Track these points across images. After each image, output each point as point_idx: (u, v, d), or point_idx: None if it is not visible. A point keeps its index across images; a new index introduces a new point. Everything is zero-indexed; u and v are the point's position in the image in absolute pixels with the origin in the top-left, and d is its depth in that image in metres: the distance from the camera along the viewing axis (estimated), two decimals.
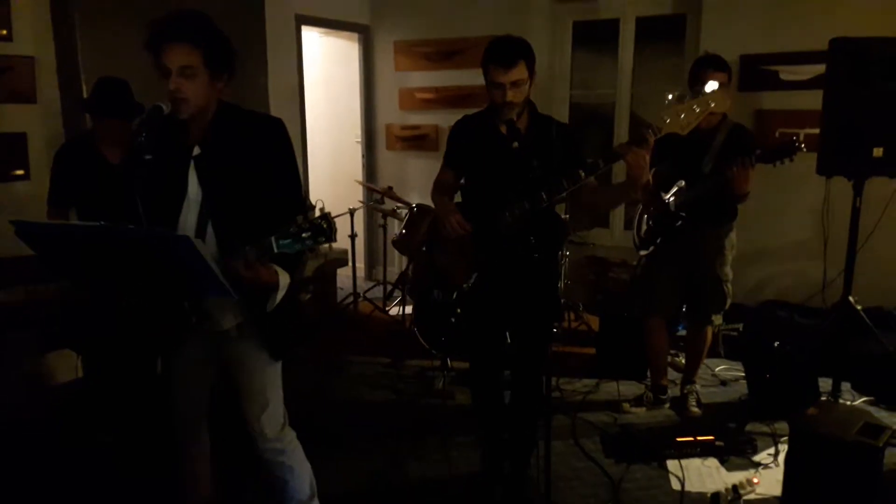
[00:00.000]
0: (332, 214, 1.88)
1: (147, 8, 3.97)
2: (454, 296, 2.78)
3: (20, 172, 3.87)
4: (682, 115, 2.52)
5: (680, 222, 3.47)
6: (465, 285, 2.72)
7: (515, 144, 2.49)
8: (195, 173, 2.08)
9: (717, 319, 3.69)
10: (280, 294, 2.06)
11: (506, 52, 2.51)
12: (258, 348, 2.21)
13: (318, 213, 1.88)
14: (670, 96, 2.60)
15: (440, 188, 2.91)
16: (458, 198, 2.92)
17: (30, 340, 3.54)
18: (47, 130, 3.95)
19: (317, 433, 2.47)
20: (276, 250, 1.89)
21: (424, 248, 4.13)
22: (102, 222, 1.75)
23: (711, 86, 2.56)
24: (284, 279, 2.05)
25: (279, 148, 2.15)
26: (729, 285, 3.59)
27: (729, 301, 3.63)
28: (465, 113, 2.85)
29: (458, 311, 2.84)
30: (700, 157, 3.40)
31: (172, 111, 1.99)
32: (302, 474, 2.40)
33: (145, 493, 2.84)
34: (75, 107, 3.92)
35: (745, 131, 3.48)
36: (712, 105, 2.54)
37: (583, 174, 2.53)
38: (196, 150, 2.08)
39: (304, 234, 1.86)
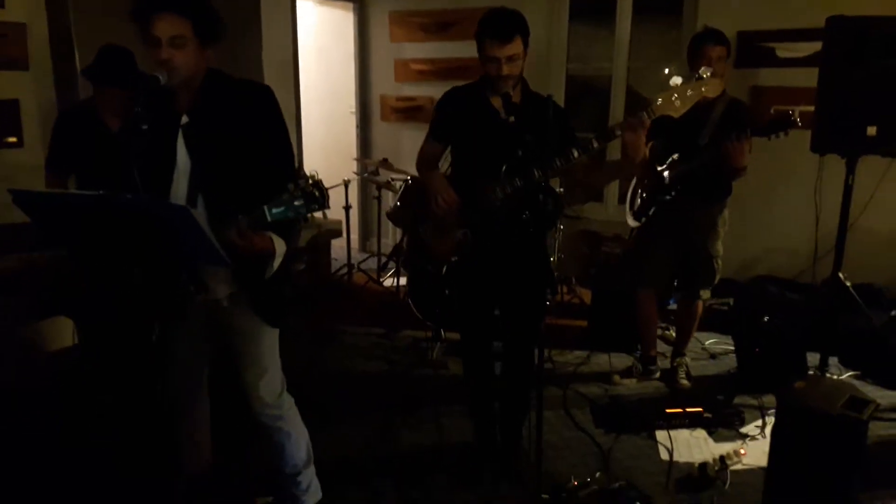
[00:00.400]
0: (327, 185, 1.90)
1: None
2: (443, 270, 2.79)
3: (13, 140, 3.85)
4: (675, 97, 2.54)
5: (673, 193, 3.49)
6: (452, 258, 2.72)
7: (511, 119, 2.49)
8: (183, 142, 2.08)
9: (706, 294, 3.74)
10: (277, 261, 2.08)
11: (503, 26, 2.50)
12: (253, 316, 2.23)
13: (309, 181, 1.89)
14: (667, 71, 2.61)
15: (426, 162, 2.89)
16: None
17: (25, 307, 3.54)
18: (40, 97, 3.92)
19: (310, 403, 2.50)
20: (269, 219, 1.91)
21: (414, 221, 4.14)
22: (101, 191, 1.75)
23: (706, 71, 2.57)
24: (281, 246, 2.07)
25: (268, 115, 2.15)
26: (719, 261, 3.63)
27: (718, 277, 3.68)
28: (460, 84, 2.82)
29: (444, 283, 2.85)
30: (697, 130, 3.41)
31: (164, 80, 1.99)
32: (299, 440, 2.43)
33: (145, 462, 2.87)
34: (68, 74, 3.88)
35: (742, 106, 3.50)
36: (704, 90, 2.56)
37: (576, 153, 2.54)
38: (184, 119, 2.08)
39: (296, 202, 1.88)
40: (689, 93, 2.54)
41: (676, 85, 2.55)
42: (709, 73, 2.57)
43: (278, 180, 1.96)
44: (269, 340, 2.32)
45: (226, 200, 2.02)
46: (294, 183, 1.87)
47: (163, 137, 2.07)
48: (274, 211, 1.90)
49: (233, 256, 1.91)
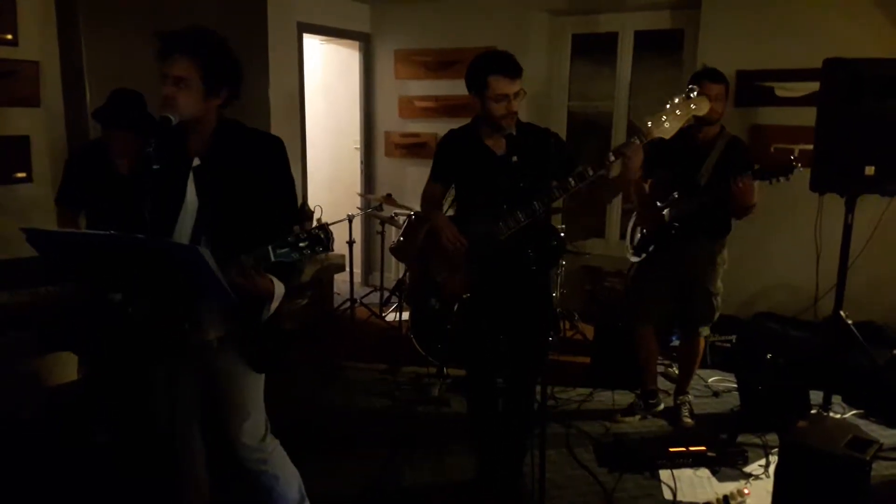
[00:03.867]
0: (331, 221, 1.94)
1: (151, 15, 4.06)
2: (454, 307, 2.81)
3: (22, 175, 3.90)
4: (665, 119, 2.57)
5: (673, 231, 3.52)
6: (464, 296, 2.75)
7: (515, 158, 2.54)
8: (194, 184, 2.13)
9: (705, 331, 3.75)
10: (275, 304, 2.10)
11: (511, 63, 2.57)
12: (240, 360, 2.23)
13: (315, 224, 1.93)
14: (668, 106, 2.65)
15: (429, 202, 2.95)
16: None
17: (29, 341, 3.56)
18: (50, 134, 3.99)
19: (312, 438, 2.50)
20: (273, 259, 1.95)
21: (420, 259, 4.17)
22: (112, 231, 1.79)
23: (693, 90, 2.61)
24: (280, 289, 2.10)
25: (277, 165, 2.20)
26: (718, 298, 3.64)
27: (717, 314, 3.69)
28: (464, 121, 2.89)
29: (453, 319, 2.88)
30: (696, 168, 3.45)
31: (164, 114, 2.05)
32: (288, 479, 2.41)
33: (143, 495, 2.86)
34: (78, 111, 3.95)
35: (741, 145, 3.54)
36: (693, 108, 2.59)
37: (572, 182, 2.58)
38: (196, 162, 2.14)
39: (301, 244, 1.92)
40: (678, 112, 2.57)
41: (666, 109, 2.58)
42: (695, 93, 2.60)
43: (280, 227, 2.02)
44: (254, 385, 2.31)
45: (229, 242, 2.05)
46: (300, 225, 1.91)
47: (174, 177, 2.12)
48: (278, 252, 1.94)
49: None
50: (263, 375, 2.33)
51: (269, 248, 1.94)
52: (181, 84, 2.03)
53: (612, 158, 2.61)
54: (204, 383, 2.32)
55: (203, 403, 2.37)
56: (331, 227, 1.95)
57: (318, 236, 1.91)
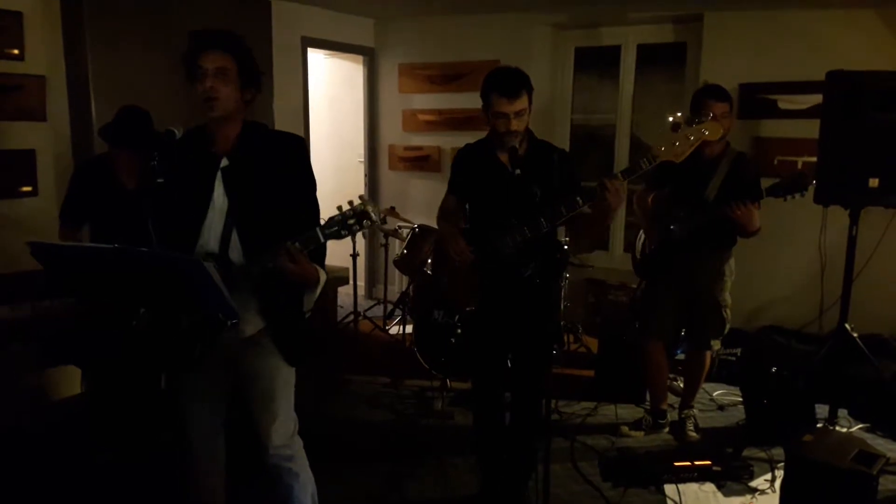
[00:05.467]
0: (356, 204, 1.98)
1: (157, 30, 4.08)
2: (457, 319, 2.82)
3: (28, 189, 3.92)
4: (677, 144, 2.58)
5: (680, 245, 3.51)
6: (469, 308, 2.75)
7: (518, 172, 2.55)
8: (222, 184, 2.17)
9: (716, 345, 3.72)
10: (318, 290, 2.16)
11: (510, 82, 2.58)
12: (275, 355, 2.26)
13: (357, 201, 2.00)
14: (671, 119, 2.66)
15: (445, 214, 2.98)
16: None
17: (33, 355, 3.57)
18: (56, 148, 4.01)
19: (315, 452, 2.49)
20: (322, 240, 2.02)
21: (429, 272, 4.18)
22: (116, 244, 1.79)
23: (706, 116, 2.62)
24: (323, 276, 2.16)
25: (301, 163, 2.28)
26: (728, 311, 3.62)
27: (727, 326, 3.66)
28: (467, 134, 2.93)
29: (459, 332, 2.88)
30: (704, 184, 3.43)
31: (203, 111, 2.10)
32: (306, 484, 2.42)
33: None
34: (84, 125, 3.98)
35: (747, 162, 3.50)
36: (706, 133, 2.59)
37: (580, 201, 2.59)
38: (224, 162, 2.18)
39: (349, 221, 1.99)
40: (690, 137, 2.57)
41: (676, 130, 2.58)
42: (709, 118, 2.61)
43: (306, 223, 2.08)
44: (286, 382, 2.34)
45: (257, 240, 2.11)
46: (349, 203, 2.00)
47: (200, 178, 2.17)
48: (327, 231, 2.01)
49: (271, 289, 2.01)
50: (294, 372, 2.35)
51: (318, 230, 2.00)
52: (221, 75, 2.09)
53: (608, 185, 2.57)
54: (236, 382, 2.34)
55: (232, 402, 2.39)
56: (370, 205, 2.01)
57: (365, 210, 1.98)
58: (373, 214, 2.00)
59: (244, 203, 2.16)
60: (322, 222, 2.06)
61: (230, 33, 2.17)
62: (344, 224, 1.99)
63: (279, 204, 2.17)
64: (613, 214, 2.67)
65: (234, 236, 2.15)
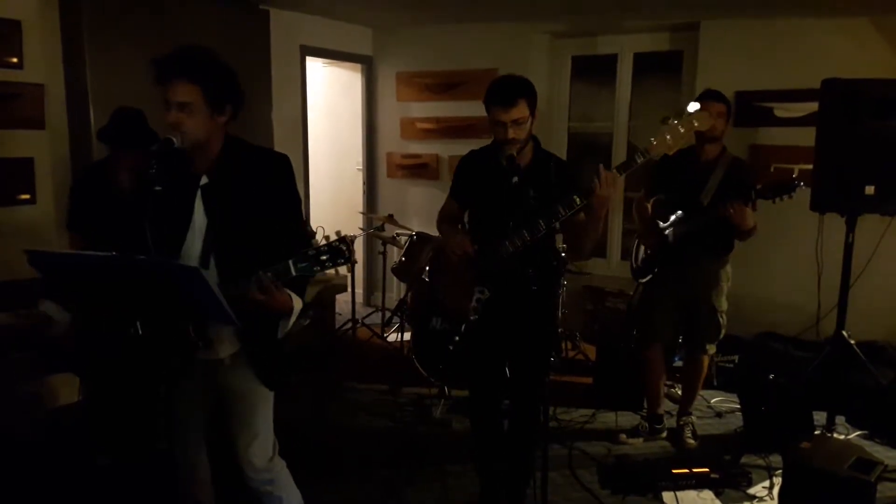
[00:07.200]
0: (333, 240, 1.93)
1: (155, 38, 4.09)
2: (462, 327, 2.80)
3: (26, 196, 3.92)
4: (669, 136, 2.59)
5: (676, 250, 3.53)
6: (472, 318, 2.74)
7: (515, 179, 2.55)
8: (202, 203, 2.13)
9: (712, 349, 3.74)
10: (293, 319, 2.10)
11: (506, 91, 2.58)
12: (252, 378, 2.23)
13: (334, 237, 1.92)
14: (670, 122, 2.67)
15: (445, 218, 2.98)
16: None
17: (31, 362, 3.56)
18: (54, 156, 4.01)
19: (313, 459, 2.48)
20: (294, 273, 1.94)
21: (426, 279, 4.17)
22: (114, 252, 1.79)
23: (693, 106, 2.63)
24: (298, 304, 2.10)
25: (283, 183, 2.20)
26: (724, 316, 3.64)
27: (723, 331, 3.68)
28: (465, 142, 2.93)
29: (457, 339, 2.87)
30: (700, 189, 3.46)
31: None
32: (291, 502, 2.41)
33: None
34: (83, 133, 3.98)
35: (744, 166, 3.56)
36: (696, 124, 2.60)
37: (577, 199, 2.59)
38: (204, 180, 2.13)
39: (322, 257, 1.91)
40: (680, 129, 2.58)
41: (669, 125, 2.59)
42: (696, 108, 2.62)
43: (289, 245, 2.00)
44: (264, 403, 2.31)
45: (237, 261, 2.06)
46: (324, 238, 1.91)
47: (181, 197, 2.12)
48: (299, 266, 1.93)
49: (246, 314, 1.93)
50: (273, 394, 2.32)
51: (290, 262, 1.93)
52: (186, 109, 2.02)
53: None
54: (213, 402, 2.31)
55: (211, 423, 2.36)
56: (351, 244, 1.93)
57: (340, 248, 1.90)
58: (346, 252, 1.91)
59: (223, 223, 2.11)
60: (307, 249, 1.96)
61: (195, 56, 2.05)
62: (317, 260, 1.91)
63: (259, 224, 2.11)
64: (607, 206, 2.62)
65: (213, 258, 2.11)
